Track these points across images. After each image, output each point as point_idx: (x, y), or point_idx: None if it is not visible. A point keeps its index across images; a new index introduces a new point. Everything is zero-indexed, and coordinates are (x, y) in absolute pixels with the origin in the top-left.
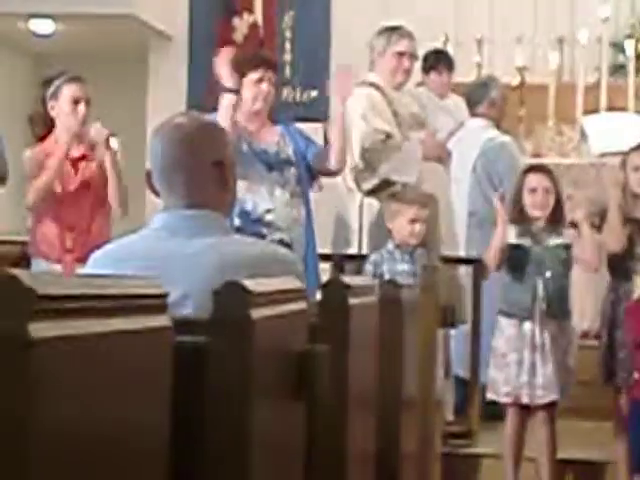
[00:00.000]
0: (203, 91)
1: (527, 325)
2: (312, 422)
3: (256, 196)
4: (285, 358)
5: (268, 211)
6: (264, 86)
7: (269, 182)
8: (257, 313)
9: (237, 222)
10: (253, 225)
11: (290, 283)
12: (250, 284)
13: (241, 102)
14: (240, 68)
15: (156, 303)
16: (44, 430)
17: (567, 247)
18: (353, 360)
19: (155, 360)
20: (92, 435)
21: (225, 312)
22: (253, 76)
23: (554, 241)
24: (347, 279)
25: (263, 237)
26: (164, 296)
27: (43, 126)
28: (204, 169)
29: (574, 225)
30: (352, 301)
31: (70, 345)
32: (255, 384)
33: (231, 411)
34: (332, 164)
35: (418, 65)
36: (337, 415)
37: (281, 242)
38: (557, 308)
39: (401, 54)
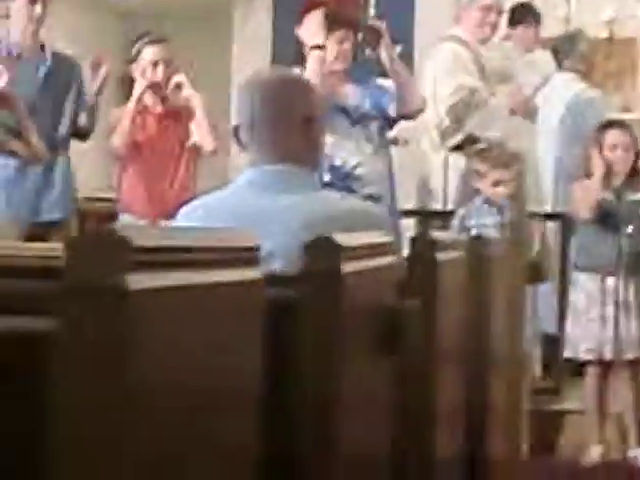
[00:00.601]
0: (290, 47)
1: (611, 280)
2: (402, 377)
3: (344, 151)
4: (375, 313)
5: (356, 165)
6: (346, 45)
7: (354, 136)
8: (347, 267)
9: (327, 177)
10: (343, 180)
11: (379, 238)
12: (340, 238)
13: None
14: (326, 25)
15: (249, 256)
16: (140, 379)
17: None
18: (441, 315)
19: (248, 313)
20: (186, 386)
21: (315, 266)
22: (337, 35)
23: (633, 196)
24: (435, 234)
25: (353, 192)
26: (256, 249)
27: (127, 86)
28: (293, 125)
29: None
30: (440, 256)
31: (165, 297)
32: (345, 338)
33: (321, 365)
34: (412, 103)
35: (504, 19)
36: (427, 370)
37: (370, 196)
38: (633, 263)
39: (487, 8)
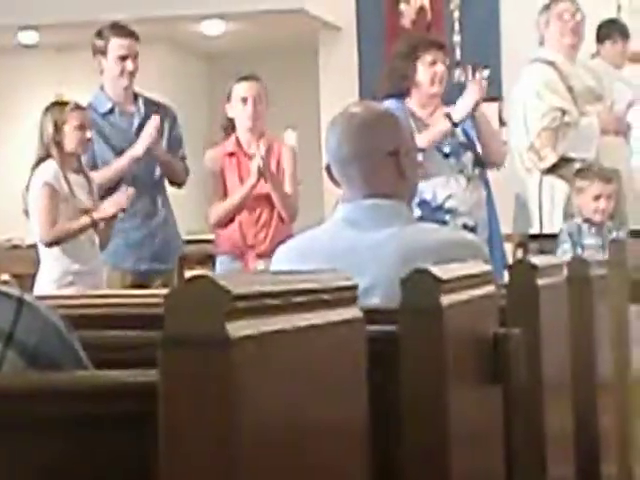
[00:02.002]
0: (376, 81)
1: None
2: (509, 406)
3: (434, 184)
4: (477, 343)
5: (448, 197)
6: (438, 68)
7: (447, 168)
8: (446, 299)
9: (418, 212)
10: (434, 213)
11: (477, 267)
12: (437, 270)
13: (415, 88)
14: (412, 52)
15: (347, 295)
16: (247, 427)
17: None
18: (545, 341)
19: (349, 351)
20: (295, 431)
21: (414, 300)
22: (427, 58)
23: None
24: (534, 259)
25: (445, 224)
26: (354, 288)
27: (226, 127)
28: (380, 158)
29: None
30: (540, 281)
31: (266, 343)
32: (449, 371)
33: (427, 399)
34: (496, 156)
35: (593, 36)
36: (533, 398)
37: (465, 226)
38: None
39: (563, 15)
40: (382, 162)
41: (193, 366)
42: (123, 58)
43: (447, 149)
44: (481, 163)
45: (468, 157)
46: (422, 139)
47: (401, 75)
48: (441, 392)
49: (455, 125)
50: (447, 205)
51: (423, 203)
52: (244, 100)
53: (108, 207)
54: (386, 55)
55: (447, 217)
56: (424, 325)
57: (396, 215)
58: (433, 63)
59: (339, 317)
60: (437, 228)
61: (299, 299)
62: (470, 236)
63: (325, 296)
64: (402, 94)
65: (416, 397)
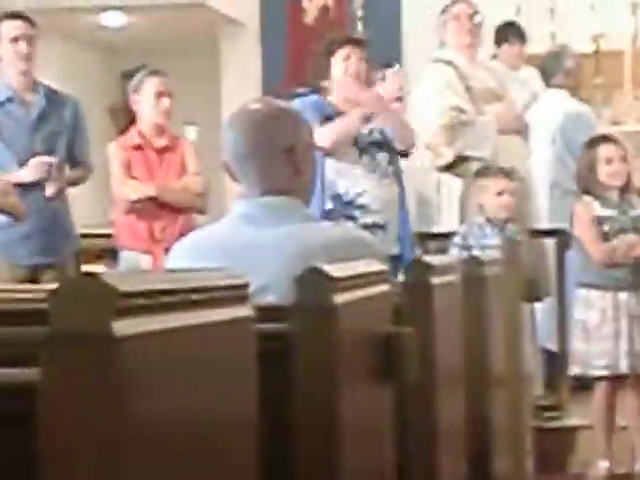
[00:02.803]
0: (279, 77)
1: (623, 295)
2: (402, 404)
3: (348, 179)
4: (371, 342)
5: (360, 194)
6: (352, 62)
7: (361, 165)
8: (340, 298)
9: (329, 205)
10: (345, 208)
11: (372, 266)
12: (331, 269)
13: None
14: (328, 48)
15: (237, 294)
16: (132, 425)
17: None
18: (439, 339)
19: (239, 350)
20: (180, 428)
21: (308, 298)
22: (341, 54)
23: (635, 211)
24: (429, 259)
25: (354, 220)
26: (245, 286)
27: (124, 118)
28: (275, 155)
29: None
30: (435, 280)
31: (153, 341)
32: (341, 369)
33: (318, 397)
34: (406, 140)
35: (488, 36)
36: (426, 395)
37: (374, 225)
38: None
39: (461, 17)
40: (278, 159)
41: (76, 365)
42: (15, 39)
43: (362, 145)
44: (395, 161)
45: (382, 155)
46: (323, 134)
47: (319, 71)
48: (333, 390)
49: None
50: (358, 201)
51: (336, 197)
52: (157, 95)
53: (25, 173)
54: (288, 52)
55: (357, 213)
56: (317, 324)
57: (292, 212)
58: (347, 58)
59: (229, 315)
60: (333, 226)
61: (188, 297)
62: (366, 234)
63: (215, 294)
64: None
65: (308, 395)
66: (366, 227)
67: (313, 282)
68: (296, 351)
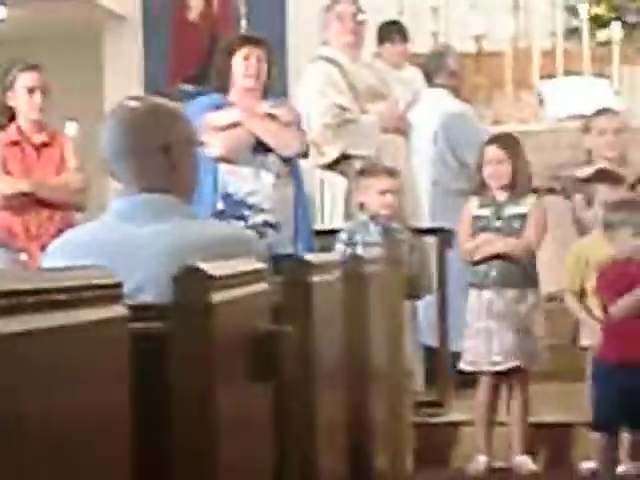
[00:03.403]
0: (161, 72)
1: (486, 293)
2: (280, 402)
3: (239, 178)
4: (249, 340)
5: (252, 193)
6: (251, 62)
7: (254, 164)
8: (217, 296)
9: (220, 205)
10: (235, 207)
11: (250, 264)
12: (209, 267)
13: (232, 83)
14: (228, 48)
15: (109, 293)
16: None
17: (523, 216)
18: (319, 337)
19: (112, 350)
20: (52, 430)
21: (184, 297)
22: (241, 54)
23: (512, 211)
24: (307, 256)
25: (245, 219)
26: (117, 285)
27: (4, 114)
28: (151, 153)
29: (535, 191)
30: (314, 278)
31: (19, 342)
32: (219, 368)
33: (195, 396)
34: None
35: (372, 34)
36: (305, 393)
37: (265, 223)
38: (512, 276)
39: (343, 15)
40: (154, 157)
41: None
42: (31, 90)
43: (255, 145)
44: (292, 161)
45: (273, 156)
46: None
47: (220, 71)
48: (210, 389)
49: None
50: (250, 200)
51: (227, 196)
52: (30, 90)
53: None
54: (171, 47)
55: (248, 212)
56: (194, 323)
57: (170, 210)
58: (246, 58)
59: (100, 315)
60: (212, 223)
61: (58, 297)
62: (246, 232)
63: (86, 294)
64: (226, 89)
65: (184, 396)
66: (257, 226)
67: (190, 280)
68: (173, 350)
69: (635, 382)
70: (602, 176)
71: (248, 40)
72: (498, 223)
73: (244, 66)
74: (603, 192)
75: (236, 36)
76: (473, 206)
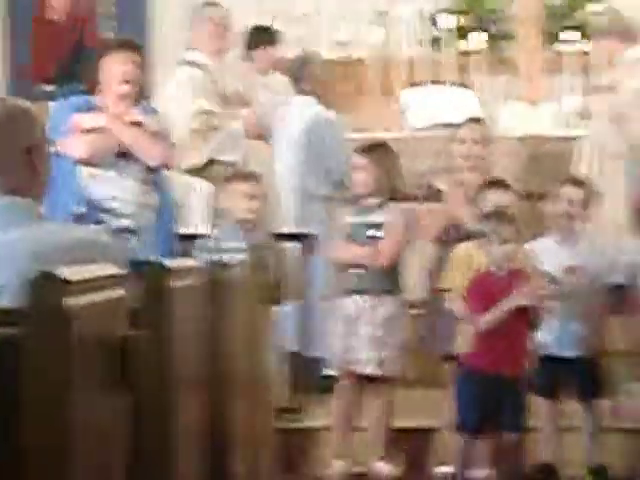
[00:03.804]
0: (26, 73)
1: (348, 300)
2: (138, 408)
3: (101, 182)
4: (106, 346)
5: (113, 198)
6: (123, 67)
7: (117, 169)
8: (73, 301)
9: (81, 209)
10: (96, 212)
11: (108, 269)
12: (65, 272)
13: (105, 87)
14: (102, 53)
15: None
16: None
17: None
18: (179, 342)
19: None
20: None
21: (39, 302)
22: (113, 59)
23: (378, 218)
24: (168, 262)
25: (106, 223)
26: None
27: None
28: (14, 156)
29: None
30: (174, 284)
31: None
32: (74, 373)
33: (49, 403)
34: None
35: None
36: (163, 398)
37: (126, 229)
38: (372, 283)
39: (211, 21)
40: (17, 159)
41: None
42: None
43: (120, 150)
44: (153, 168)
45: (136, 162)
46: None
47: (91, 73)
48: (64, 396)
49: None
50: (111, 205)
51: (87, 201)
52: None
53: None
54: (34, 47)
55: (109, 217)
56: (49, 328)
57: (25, 214)
58: (123, 63)
59: None
60: (71, 227)
61: None
62: (103, 236)
63: None
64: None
65: (38, 401)
66: (116, 231)
67: (45, 285)
68: (26, 356)
69: (499, 388)
70: (490, 184)
71: (125, 45)
72: (365, 231)
73: (121, 72)
74: (490, 199)
75: (113, 40)
76: (344, 213)
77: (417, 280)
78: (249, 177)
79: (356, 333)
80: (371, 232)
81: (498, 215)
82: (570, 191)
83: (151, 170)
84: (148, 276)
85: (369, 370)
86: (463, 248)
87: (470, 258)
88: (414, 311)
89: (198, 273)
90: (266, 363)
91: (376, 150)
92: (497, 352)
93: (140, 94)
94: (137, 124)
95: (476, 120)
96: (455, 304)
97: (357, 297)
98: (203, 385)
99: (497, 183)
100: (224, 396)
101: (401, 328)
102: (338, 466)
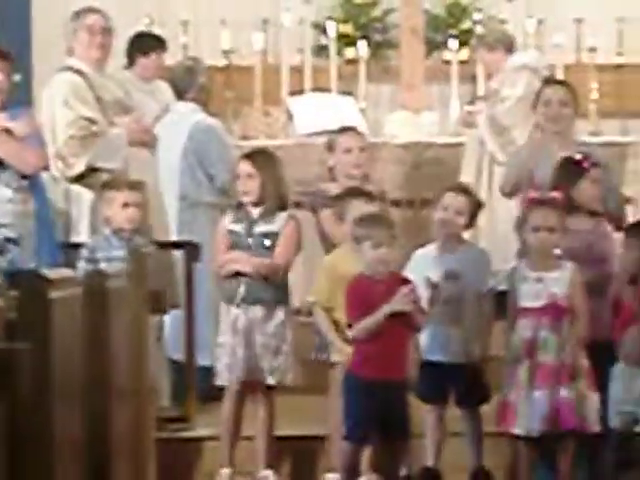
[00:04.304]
0: None
1: (234, 309)
2: (15, 419)
3: None
4: None
5: None
6: None
7: None
8: None
9: None
10: None
11: None
12: None
13: None
14: None
15: None
16: None
17: (274, 234)
18: (58, 353)
19: None
20: None
21: None
22: None
23: (263, 228)
24: (46, 271)
25: None
26: None
27: None
28: None
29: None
30: (53, 294)
31: None
32: None
33: None
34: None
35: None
36: (41, 409)
37: (5, 238)
38: (260, 293)
39: (91, 28)
40: None
41: None
42: None
43: None
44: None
45: (9, 170)
46: None
47: None
48: None
49: None
50: None
51: None
52: None
53: None
54: None
55: None
56: None
57: None
58: None
59: None
60: None
61: None
62: None
63: None
64: None
65: None
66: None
67: None
68: None
69: (385, 396)
70: (354, 192)
71: None
72: (250, 240)
73: None
74: (355, 207)
75: None
76: (228, 221)
77: (305, 287)
78: (126, 185)
79: (247, 343)
80: (259, 241)
81: (372, 219)
82: (451, 198)
83: (25, 177)
84: (26, 286)
85: (261, 379)
86: (328, 258)
87: (335, 267)
88: (304, 318)
89: (78, 283)
90: (149, 372)
91: (261, 157)
92: (379, 359)
93: (5, 101)
94: (6, 131)
95: (354, 129)
96: (318, 316)
97: (247, 307)
98: (83, 396)
99: (359, 192)
100: (105, 407)
101: (291, 337)
102: (225, 475)
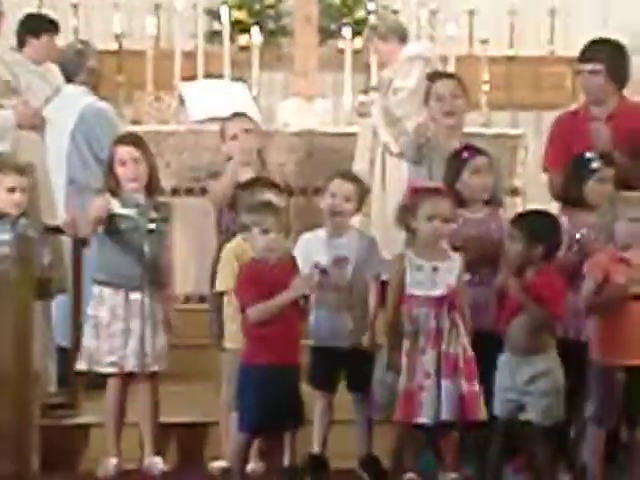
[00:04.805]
0: None
1: (135, 295)
2: None
3: None
4: None
5: None
6: None
7: None
8: None
9: None
10: None
11: None
12: None
13: None
14: None
15: None
16: None
17: (164, 220)
18: None
19: None
20: None
21: None
22: None
23: (153, 214)
24: None
25: None
26: None
27: None
28: None
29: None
30: None
31: None
32: None
33: None
34: None
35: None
36: None
37: None
38: (140, 278)
39: None
40: None
41: None
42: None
43: None
44: None
45: None
46: None
47: None
48: None
49: None
50: None
51: None
52: None
53: None
54: None
55: None
56: None
57: None
58: None
59: None
60: None
61: None
62: None
63: None
64: None
65: None
66: None
67: None
68: None
69: (281, 382)
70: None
71: None
72: (147, 224)
73: None
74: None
75: None
76: (115, 206)
77: (197, 274)
78: (11, 168)
79: (122, 329)
80: (151, 226)
81: (261, 206)
82: (338, 185)
83: None
84: None
85: (133, 367)
86: (228, 247)
87: (244, 254)
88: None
89: None
90: (33, 358)
91: (141, 141)
92: (274, 343)
93: None
94: None
95: (244, 115)
96: (229, 307)
97: (129, 292)
98: None
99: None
100: None
101: (169, 322)
102: (111, 463)
